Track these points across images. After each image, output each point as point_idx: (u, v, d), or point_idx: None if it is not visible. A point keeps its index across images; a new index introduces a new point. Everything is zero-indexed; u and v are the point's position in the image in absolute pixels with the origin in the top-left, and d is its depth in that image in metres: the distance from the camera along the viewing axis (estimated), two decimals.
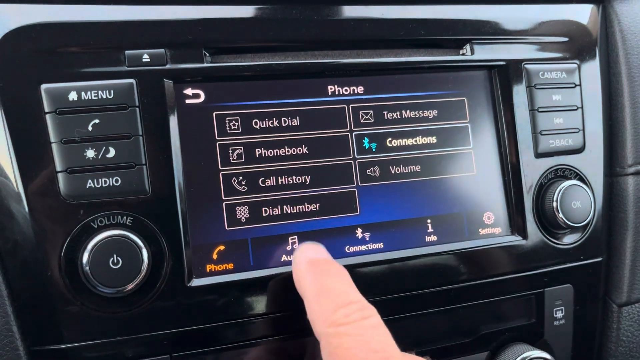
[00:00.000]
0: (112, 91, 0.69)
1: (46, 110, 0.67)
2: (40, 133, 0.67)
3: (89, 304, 0.68)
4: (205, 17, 0.74)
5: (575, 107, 0.90)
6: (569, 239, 0.88)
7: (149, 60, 0.71)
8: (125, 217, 0.69)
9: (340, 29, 0.80)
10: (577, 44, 0.92)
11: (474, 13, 0.86)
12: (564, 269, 0.88)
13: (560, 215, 0.85)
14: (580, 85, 0.91)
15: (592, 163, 0.91)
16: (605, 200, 0.93)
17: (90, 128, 0.69)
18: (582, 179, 0.89)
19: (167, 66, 0.72)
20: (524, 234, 0.85)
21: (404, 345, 0.80)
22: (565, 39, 0.91)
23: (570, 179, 0.88)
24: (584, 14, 0.94)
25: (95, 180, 0.68)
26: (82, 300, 0.67)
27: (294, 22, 0.78)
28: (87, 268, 0.66)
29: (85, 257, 0.66)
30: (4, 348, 0.66)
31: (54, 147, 0.67)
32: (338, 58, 0.80)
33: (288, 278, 0.74)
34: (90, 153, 0.68)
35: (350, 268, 0.75)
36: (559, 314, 0.88)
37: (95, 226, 0.68)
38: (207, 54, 0.74)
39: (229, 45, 0.75)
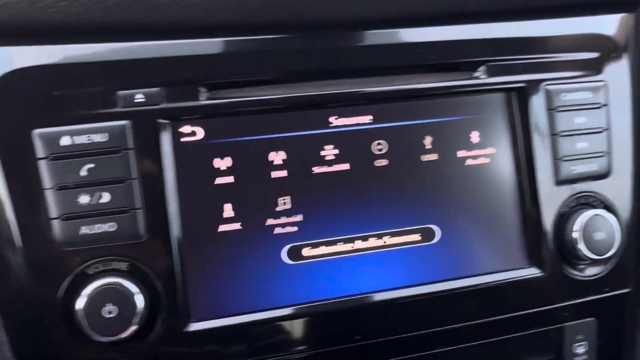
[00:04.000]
0: (104, 134, 0.68)
1: (39, 156, 0.66)
2: (33, 179, 0.66)
3: (86, 351, 0.67)
4: (200, 52, 0.71)
5: (601, 129, 0.84)
6: (592, 271, 0.83)
7: (143, 100, 0.69)
8: (121, 263, 0.68)
9: (344, 57, 0.76)
10: (605, 60, 0.85)
11: (488, 32, 0.80)
12: (586, 302, 0.83)
13: (581, 246, 0.80)
14: (607, 104, 0.85)
15: (619, 188, 0.85)
16: (636, 226, 0.87)
17: (83, 173, 0.67)
18: (607, 207, 0.84)
19: (162, 105, 0.70)
20: (541, 266, 0.81)
21: None
22: (592, 55, 0.85)
23: (594, 206, 0.83)
24: (612, 26, 0.87)
25: (89, 226, 0.67)
26: (79, 348, 0.67)
27: (294, 52, 0.74)
28: (81, 316, 0.65)
29: (80, 305, 0.65)
30: None
31: (48, 193, 0.67)
32: (342, 88, 0.77)
33: (291, 319, 0.73)
34: (84, 199, 0.67)
35: (353, 308, 0.74)
36: (581, 350, 0.83)
37: (91, 272, 0.68)
38: (204, 90, 0.72)
39: (226, 80, 0.73)
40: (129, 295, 0.66)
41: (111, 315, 0.66)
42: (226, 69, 0.72)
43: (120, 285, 0.66)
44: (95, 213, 0.67)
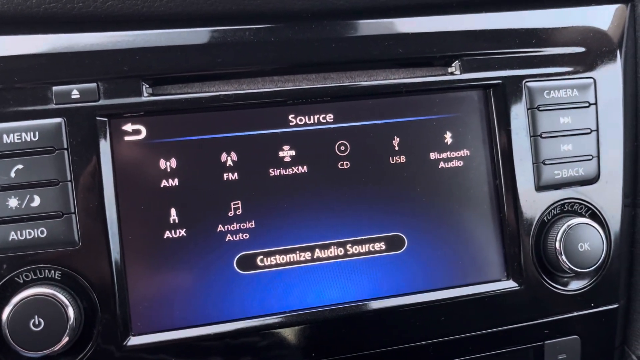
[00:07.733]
0: (36, 133, 0.63)
1: None
2: None
3: None
4: (143, 44, 0.66)
5: (589, 130, 0.77)
6: (576, 284, 0.77)
7: (78, 96, 0.64)
8: (53, 271, 0.63)
9: (303, 50, 0.70)
10: (593, 55, 0.78)
11: (462, 24, 0.74)
12: (569, 319, 0.77)
13: (564, 258, 0.73)
14: (596, 103, 0.78)
15: (608, 194, 0.78)
16: (626, 235, 0.80)
17: (12, 175, 0.63)
18: (594, 215, 0.77)
19: (100, 102, 0.65)
20: (520, 279, 0.74)
21: None
22: (579, 49, 0.78)
23: (580, 214, 0.76)
24: (603, 18, 0.80)
25: (19, 232, 0.63)
26: None
27: (247, 45, 0.68)
28: (6, 330, 0.60)
29: (4, 317, 0.61)
30: None
31: None
32: (302, 83, 0.71)
33: (241, 333, 0.67)
34: (13, 202, 0.63)
35: (311, 322, 0.69)
36: None
37: (21, 281, 0.63)
38: (147, 86, 0.66)
39: (171, 74, 0.67)
40: (60, 307, 0.61)
41: (38, 329, 0.61)
42: (171, 63, 0.67)
43: (50, 295, 0.61)
44: (25, 218, 0.63)
